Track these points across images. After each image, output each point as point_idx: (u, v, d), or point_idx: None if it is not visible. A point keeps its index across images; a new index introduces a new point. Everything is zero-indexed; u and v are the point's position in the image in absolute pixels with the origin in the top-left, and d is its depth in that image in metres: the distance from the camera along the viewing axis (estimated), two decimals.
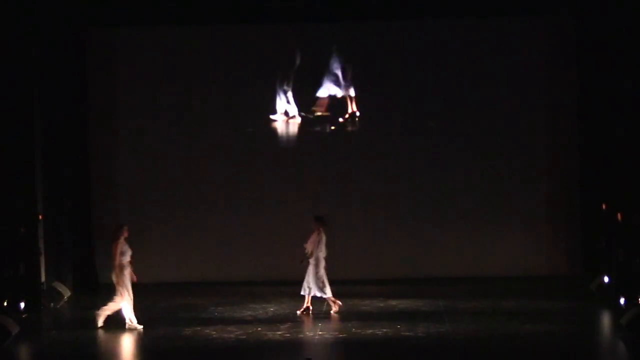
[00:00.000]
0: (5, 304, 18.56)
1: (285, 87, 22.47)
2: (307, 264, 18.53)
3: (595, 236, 20.97)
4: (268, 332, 17.05)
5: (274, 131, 22.64)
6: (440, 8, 21.71)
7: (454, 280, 21.58)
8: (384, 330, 17.01)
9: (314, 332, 16.92)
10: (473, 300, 19.47)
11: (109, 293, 21.32)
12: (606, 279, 19.82)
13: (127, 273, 17.50)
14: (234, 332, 17.00)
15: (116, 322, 18.26)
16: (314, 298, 18.58)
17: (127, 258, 17.52)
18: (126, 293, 17.46)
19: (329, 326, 17.33)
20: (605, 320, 17.87)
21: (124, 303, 17.49)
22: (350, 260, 22.03)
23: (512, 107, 22.21)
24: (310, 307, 18.56)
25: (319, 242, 18.48)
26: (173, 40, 22.36)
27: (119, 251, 17.42)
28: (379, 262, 22.10)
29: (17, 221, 19.13)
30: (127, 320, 17.50)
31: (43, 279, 19.92)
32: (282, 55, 22.34)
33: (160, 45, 22.38)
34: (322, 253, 18.51)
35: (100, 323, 17.54)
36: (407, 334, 16.79)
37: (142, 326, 17.43)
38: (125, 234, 17.62)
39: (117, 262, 17.42)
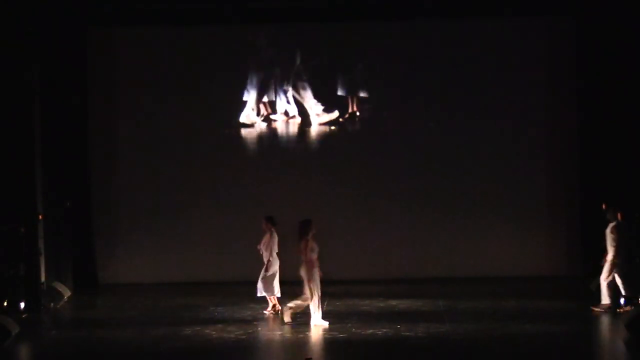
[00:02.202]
0: (5, 304, 18.55)
1: (285, 87, 22.48)
2: (270, 263, 18.52)
3: (595, 236, 20.94)
4: (268, 332, 17.05)
5: (274, 131, 22.66)
6: (440, 8, 21.72)
7: (454, 280, 21.58)
8: (384, 330, 17.00)
9: (314, 332, 16.91)
10: (473, 300, 19.46)
11: (109, 293, 21.47)
12: None
13: (317, 269, 17.35)
14: (234, 332, 16.99)
15: (122, 321, 18.26)
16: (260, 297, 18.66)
17: (315, 254, 17.35)
18: (315, 290, 17.27)
19: (329, 326, 17.31)
20: (605, 320, 17.84)
21: (313, 300, 17.31)
22: (350, 260, 22.06)
23: (512, 107, 22.21)
24: (279, 307, 18.58)
25: (271, 242, 18.50)
26: (173, 40, 22.37)
27: (309, 247, 17.27)
28: (379, 262, 22.10)
29: (17, 221, 19.12)
30: (312, 318, 17.36)
31: (43, 279, 19.91)
32: (282, 55, 22.35)
33: (160, 45, 22.39)
34: (274, 253, 18.56)
35: (287, 319, 17.47)
36: (407, 334, 16.78)
37: (328, 322, 17.30)
38: (314, 230, 17.46)
39: (308, 258, 17.25)
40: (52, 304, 19.69)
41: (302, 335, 16.73)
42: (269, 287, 18.45)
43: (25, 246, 19.16)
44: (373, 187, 22.31)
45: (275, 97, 22.50)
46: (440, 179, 22.26)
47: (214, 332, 17.03)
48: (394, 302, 19.40)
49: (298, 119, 22.53)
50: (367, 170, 22.36)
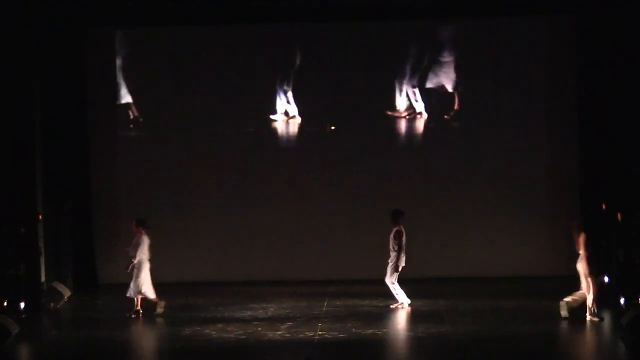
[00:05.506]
0: (5, 304, 18.54)
1: (285, 87, 22.48)
2: (133, 267, 18.54)
3: (595, 236, 20.94)
4: (268, 332, 17.04)
5: (274, 131, 22.65)
6: (440, 8, 21.72)
7: (454, 280, 21.57)
8: (384, 330, 17.01)
9: (314, 332, 16.91)
10: (473, 300, 19.46)
11: (109, 293, 21.46)
12: (606, 279, 19.81)
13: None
14: (234, 332, 17.00)
15: (122, 321, 18.25)
16: (145, 300, 18.68)
17: (590, 249, 17.22)
18: (592, 285, 17.15)
19: (329, 326, 17.32)
20: (606, 320, 17.83)
21: (589, 295, 17.24)
22: (350, 260, 22.04)
23: (512, 107, 22.20)
24: (141, 310, 18.61)
25: (140, 245, 18.50)
26: (173, 40, 22.36)
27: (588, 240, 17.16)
28: (380, 262, 22.05)
29: (17, 221, 19.12)
30: (588, 312, 17.28)
31: (43, 279, 19.91)
32: (282, 55, 22.35)
33: (160, 45, 22.39)
34: (145, 256, 18.54)
35: (564, 313, 17.38)
36: (407, 334, 16.78)
37: (603, 318, 17.23)
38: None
39: (586, 252, 17.16)
40: (52, 304, 19.69)
41: (302, 335, 16.73)
42: (139, 289, 18.46)
43: (25, 246, 19.16)
44: (372, 188, 22.29)
45: (275, 97, 22.50)
46: (440, 179, 22.25)
47: (214, 332, 17.03)
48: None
49: (298, 119, 22.53)
50: (368, 171, 22.35)
